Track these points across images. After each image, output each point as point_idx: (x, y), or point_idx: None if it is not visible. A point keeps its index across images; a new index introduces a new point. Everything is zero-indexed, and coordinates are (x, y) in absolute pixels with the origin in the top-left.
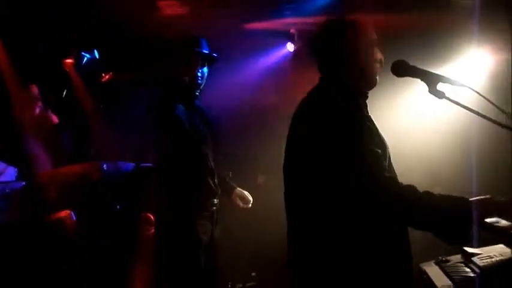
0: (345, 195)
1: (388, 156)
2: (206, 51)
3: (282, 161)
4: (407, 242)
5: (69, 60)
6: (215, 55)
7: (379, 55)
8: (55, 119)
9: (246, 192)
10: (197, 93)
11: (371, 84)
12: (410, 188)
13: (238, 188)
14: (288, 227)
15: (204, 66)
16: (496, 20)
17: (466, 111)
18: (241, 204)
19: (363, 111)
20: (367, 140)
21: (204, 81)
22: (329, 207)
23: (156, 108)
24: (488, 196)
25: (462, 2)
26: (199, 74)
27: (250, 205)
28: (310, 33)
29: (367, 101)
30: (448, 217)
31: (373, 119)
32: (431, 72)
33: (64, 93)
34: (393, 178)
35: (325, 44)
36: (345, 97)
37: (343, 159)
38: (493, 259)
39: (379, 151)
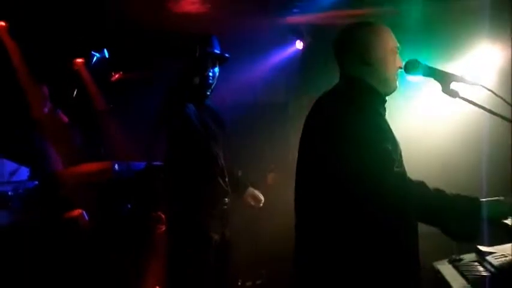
0: (357, 194)
1: (399, 154)
2: (217, 51)
3: (291, 160)
4: (416, 245)
5: (79, 60)
6: (227, 55)
7: (399, 63)
8: (65, 118)
9: (257, 192)
10: (208, 93)
11: (391, 90)
12: (421, 184)
13: (251, 187)
14: (296, 225)
15: (216, 66)
16: (506, 15)
17: (477, 109)
18: (252, 203)
19: (381, 116)
20: (381, 138)
21: (215, 81)
22: (340, 205)
23: (165, 107)
24: (500, 198)
25: None
26: (210, 74)
27: (261, 204)
28: (318, 30)
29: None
30: (458, 214)
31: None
32: (444, 72)
33: (75, 92)
34: (404, 174)
35: (350, 49)
36: (366, 100)
37: (356, 156)
38: (507, 258)
39: (391, 148)
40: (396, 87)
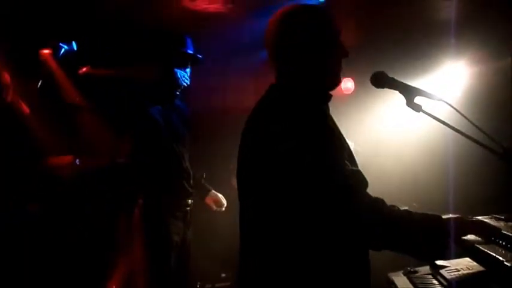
0: (306, 212)
1: (349, 153)
2: (191, 52)
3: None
4: (367, 263)
5: (46, 51)
6: (199, 56)
7: (343, 51)
8: (26, 108)
9: (220, 195)
10: (178, 93)
11: (335, 81)
12: (379, 203)
13: (213, 191)
14: (240, 242)
15: (187, 66)
16: (473, 33)
17: (441, 126)
18: (214, 207)
19: (324, 118)
20: (332, 152)
21: (187, 81)
22: (285, 223)
23: (130, 106)
24: (459, 216)
25: (439, 15)
26: (182, 74)
27: (223, 208)
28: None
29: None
30: (424, 236)
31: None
32: (409, 86)
33: (39, 83)
34: (359, 191)
35: (284, 34)
36: (304, 101)
37: (305, 172)
38: (460, 272)
39: (346, 164)
40: (340, 80)
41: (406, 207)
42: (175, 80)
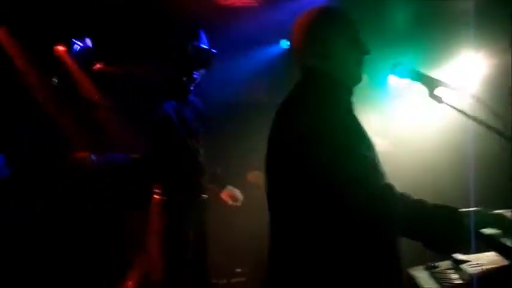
0: (336, 204)
1: (376, 156)
2: (205, 46)
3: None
4: (399, 254)
5: (60, 48)
6: (214, 51)
7: (363, 49)
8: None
9: (236, 190)
10: (191, 88)
11: (356, 78)
12: (404, 197)
13: (229, 186)
14: (270, 232)
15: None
16: (493, 23)
17: (462, 117)
18: (230, 202)
19: (351, 112)
20: (358, 145)
21: (200, 76)
22: (316, 217)
23: (143, 105)
24: (479, 209)
25: (458, 5)
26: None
27: (240, 203)
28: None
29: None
30: (439, 228)
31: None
32: (430, 76)
33: (55, 80)
34: (388, 186)
35: (305, 41)
36: (332, 95)
37: (333, 166)
38: (482, 267)
39: (371, 155)
40: (361, 77)
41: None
42: (189, 75)
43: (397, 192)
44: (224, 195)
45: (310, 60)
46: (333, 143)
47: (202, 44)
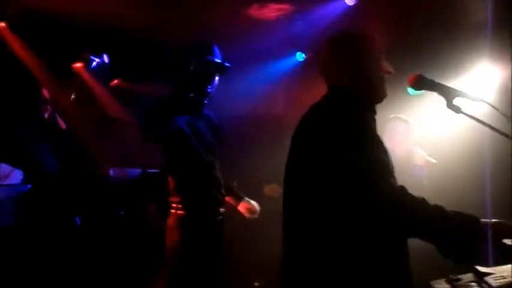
0: (352, 207)
1: (392, 167)
2: (219, 60)
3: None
4: (407, 253)
5: (78, 65)
6: (228, 64)
7: (387, 67)
8: (63, 124)
9: (253, 202)
10: (206, 102)
11: (380, 95)
12: (421, 200)
13: (246, 198)
14: (284, 242)
15: (215, 75)
16: (509, 34)
17: (478, 127)
18: (247, 215)
19: (370, 123)
20: (376, 149)
21: (215, 90)
22: (333, 219)
23: (156, 117)
24: (501, 220)
25: (474, 16)
26: (210, 83)
27: (257, 215)
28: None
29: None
30: (458, 233)
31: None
32: (448, 87)
33: (73, 97)
34: (403, 188)
35: (334, 55)
36: (354, 108)
37: (351, 169)
38: (506, 279)
39: (386, 160)
40: (385, 94)
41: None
42: (203, 88)
43: (418, 195)
44: (241, 208)
45: (336, 78)
46: (360, 148)
47: (216, 58)
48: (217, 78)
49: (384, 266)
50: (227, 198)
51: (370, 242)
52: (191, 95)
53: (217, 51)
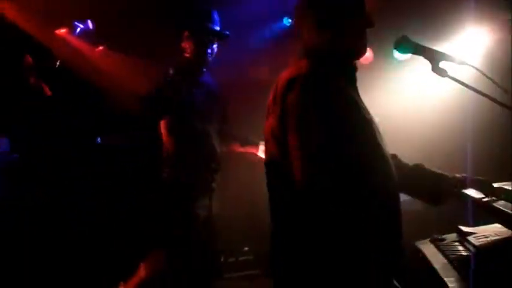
0: (338, 168)
1: (377, 130)
2: (218, 28)
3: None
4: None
5: (62, 31)
6: (227, 33)
7: (367, 21)
8: (48, 90)
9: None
10: (204, 70)
11: (359, 55)
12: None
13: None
14: (271, 219)
15: (214, 42)
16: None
17: (461, 91)
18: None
19: (348, 81)
20: (354, 109)
21: (213, 57)
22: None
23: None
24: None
25: None
26: (208, 51)
27: None
28: None
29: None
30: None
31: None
32: (434, 50)
33: (58, 63)
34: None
35: (305, 14)
36: (329, 68)
37: (334, 136)
38: (488, 238)
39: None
40: (365, 50)
41: None
42: (201, 56)
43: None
44: (259, 151)
45: (310, 34)
46: (336, 117)
47: (215, 25)
48: (215, 46)
49: (371, 229)
50: (246, 149)
51: (354, 211)
52: (195, 61)
53: (216, 18)
